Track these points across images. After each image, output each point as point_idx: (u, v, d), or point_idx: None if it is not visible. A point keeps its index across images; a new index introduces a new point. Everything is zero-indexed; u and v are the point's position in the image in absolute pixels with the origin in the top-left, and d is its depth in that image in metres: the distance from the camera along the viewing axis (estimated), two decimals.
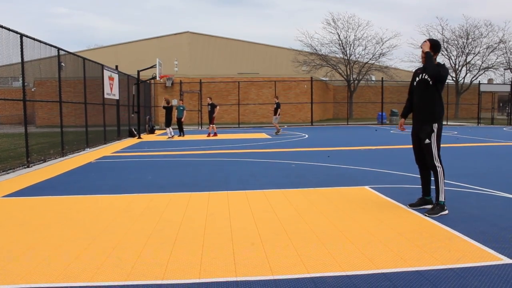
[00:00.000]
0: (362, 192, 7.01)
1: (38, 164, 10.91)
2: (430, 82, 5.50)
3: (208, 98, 21.74)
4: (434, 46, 5.56)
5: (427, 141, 5.55)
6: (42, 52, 11.73)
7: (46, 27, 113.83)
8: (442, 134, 5.67)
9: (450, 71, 47.81)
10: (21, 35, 10.19)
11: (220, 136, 20.70)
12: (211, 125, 21.11)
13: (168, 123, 20.59)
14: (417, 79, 5.70)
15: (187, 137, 20.45)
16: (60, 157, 12.35)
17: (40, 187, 7.83)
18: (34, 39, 10.94)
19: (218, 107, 21.46)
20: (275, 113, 22.00)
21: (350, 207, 5.91)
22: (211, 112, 20.93)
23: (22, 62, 10.26)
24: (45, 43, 11.75)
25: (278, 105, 21.82)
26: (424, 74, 5.59)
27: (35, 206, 6.27)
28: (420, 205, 5.83)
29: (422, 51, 5.54)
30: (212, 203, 6.27)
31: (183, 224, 5.15)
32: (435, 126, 5.54)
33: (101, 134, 17.13)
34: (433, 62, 5.46)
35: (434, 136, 5.53)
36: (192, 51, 49.27)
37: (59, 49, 12.73)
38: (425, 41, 5.58)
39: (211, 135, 20.98)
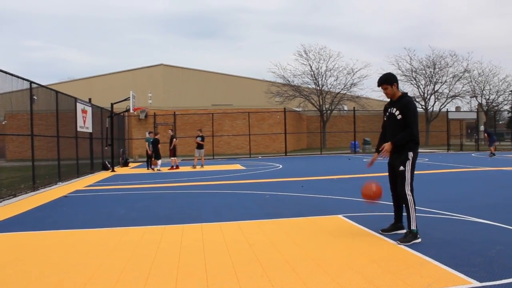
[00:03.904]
0: (335, 221, 7.07)
1: (8, 199, 10.67)
2: (398, 117, 5.62)
3: (169, 130, 21.79)
4: (391, 80, 5.70)
5: (401, 168, 5.59)
6: (14, 85, 11.63)
7: (19, 60, 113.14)
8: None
9: (419, 99, 49.02)
10: None
11: (194, 168, 20.61)
12: (173, 158, 20.99)
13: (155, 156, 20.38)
14: (387, 113, 5.82)
15: (162, 170, 20.26)
16: (31, 191, 12.12)
17: (9, 223, 7.66)
18: (5, 72, 10.87)
19: (175, 139, 21.42)
20: (201, 147, 21.06)
21: (323, 236, 5.96)
22: (169, 145, 20.91)
23: None
24: (17, 76, 11.66)
25: (202, 138, 21.10)
26: (392, 109, 5.71)
27: (3, 243, 6.13)
28: (391, 230, 5.91)
29: (386, 149, 5.65)
30: (186, 236, 6.24)
31: (156, 257, 5.11)
32: (410, 154, 5.61)
33: (74, 167, 16.91)
34: (404, 137, 5.57)
35: (409, 164, 5.58)
36: (166, 83, 49.40)
37: (31, 82, 12.64)
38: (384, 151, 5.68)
39: (173, 168, 20.71)
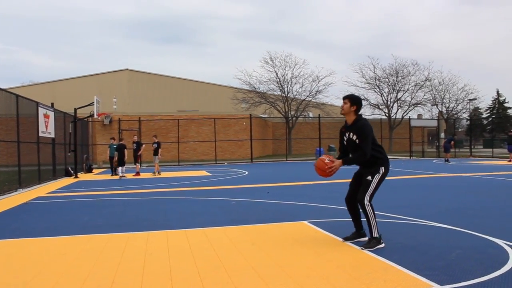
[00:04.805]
0: (301, 227, 7.13)
1: None
2: (357, 141, 5.62)
3: (134, 136, 21.54)
4: (354, 100, 5.74)
5: (369, 178, 5.61)
6: None
7: None
8: None
9: (382, 107, 50.01)
10: None
11: (160, 175, 20.41)
12: (138, 164, 20.76)
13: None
14: (345, 138, 5.81)
15: (126, 176, 19.93)
16: None
17: None
18: None
19: (144, 145, 21.22)
20: (156, 153, 20.57)
21: (289, 243, 6.00)
22: (136, 151, 20.59)
23: None
24: None
25: (158, 145, 20.70)
26: (349, 134, 5.71)
27: None
28: (354, 238, 5.93)
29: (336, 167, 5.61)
30: (151, 243, 6.17)
31: (121, 265, 5.04)
32: (382, 169, 5.65)
33: (35, 173, 16.48)
34: (356, 158, 5.62)
35: (377, 177, 5.61)
36: (131, 88, 48.78)
37: None
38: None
39: (140, 174, 20.43)
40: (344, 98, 5.81)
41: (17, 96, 14.86)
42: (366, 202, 5.55)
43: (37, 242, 6.43)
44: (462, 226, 6.82)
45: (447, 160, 27.34)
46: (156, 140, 20.79)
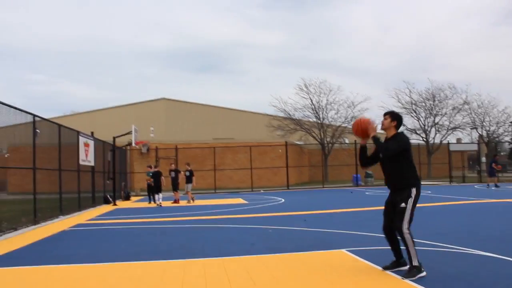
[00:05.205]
0: (339, 255, 6.99)
1: (8, 233, 10.59)
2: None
3: (172, 164, 21.58)
4: (394, 116, 5.81)
5: (403, 205, 5.50)
6: (17, 118, 11.72)
7: (23, 93, 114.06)
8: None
9: (420, 132, 49.13)
10: None
11: (196, 202, 20.52)
12: (176, 192, 20.67)
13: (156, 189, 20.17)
14: None
15: (162, 204, 20.11)
16: (32, 225, 12.04)
17: (10, 257, 7.59)
18: (9, 106, 10.97)
19: (182, 172, 21.19)
20: (190, 181, 20.61)
21: (327, 272, 5.88)
22: (174, 179, 20.61)
23: None
24: (21, 110, 11.76)
25: (191, 173, 20.68)
26: (387, 144, 5.73)
27: (3, 278, 6.06)
28: (393, 267, 5.75)
29: (370, 133, 5.79)
30: (188, 271, 6.17)
31: None
32: (413, 191, 5.55)
33: (75, 201, 16.85)
34: (381, 144, 5.69)
35: (411, 202, 5.51)
36: (168, 117, 49.71)
37: (34, 115, 12.73)
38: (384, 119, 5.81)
39: (179, 201, 20.46)
40: (385, 114, 5.89)
41: (59, 125, 15.34)
42: (405, 229, 5.43)
43: (77, 269, 6.52)
44: (509, 254, 6.55)
45: (496, 185, 26.18)
46: (189, 168, 20.85)
